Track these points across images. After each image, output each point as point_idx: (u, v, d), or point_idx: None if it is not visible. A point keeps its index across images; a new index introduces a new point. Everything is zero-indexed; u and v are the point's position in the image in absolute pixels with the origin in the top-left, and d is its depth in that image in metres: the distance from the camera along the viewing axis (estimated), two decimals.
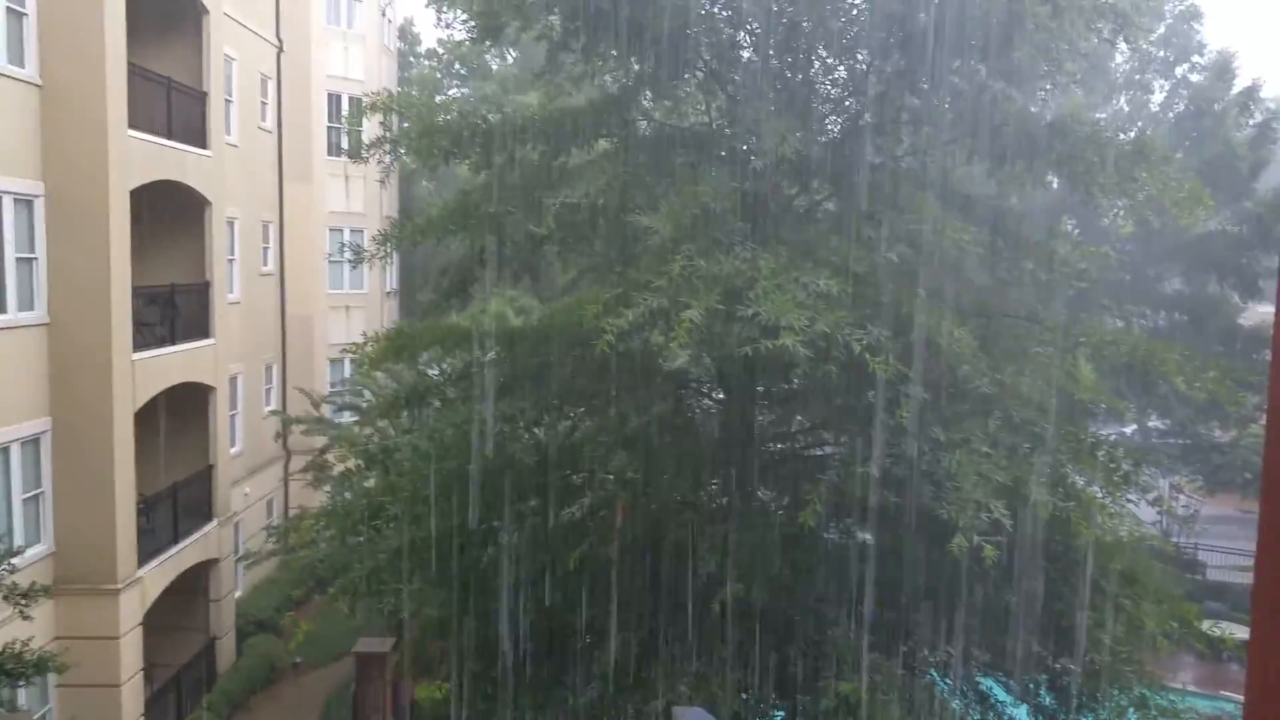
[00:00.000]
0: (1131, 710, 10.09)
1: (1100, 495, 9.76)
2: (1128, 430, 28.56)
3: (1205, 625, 10.25)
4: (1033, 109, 11.59)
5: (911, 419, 8.83)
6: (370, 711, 17.56)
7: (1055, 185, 12.49)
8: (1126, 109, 30.75)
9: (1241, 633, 11.11)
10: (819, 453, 10.69)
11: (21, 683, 10.40)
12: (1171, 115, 29.82)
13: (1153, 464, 11.33)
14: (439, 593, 10.53)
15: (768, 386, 11.11)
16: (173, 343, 19.02)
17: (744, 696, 9.65)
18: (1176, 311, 29.14)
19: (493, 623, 10.60)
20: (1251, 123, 28.12)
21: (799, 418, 10.94)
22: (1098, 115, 22.50)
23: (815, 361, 9.43)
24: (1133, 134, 20.80)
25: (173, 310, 19.27)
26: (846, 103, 11.23)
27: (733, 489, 10.20)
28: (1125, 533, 9.72)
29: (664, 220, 8.57)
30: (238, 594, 22.86)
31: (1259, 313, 28.96)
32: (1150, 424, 29.54)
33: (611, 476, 10.20)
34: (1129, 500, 10.48)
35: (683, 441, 10.27)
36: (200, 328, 20.32)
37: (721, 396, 11.08)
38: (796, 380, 10.85)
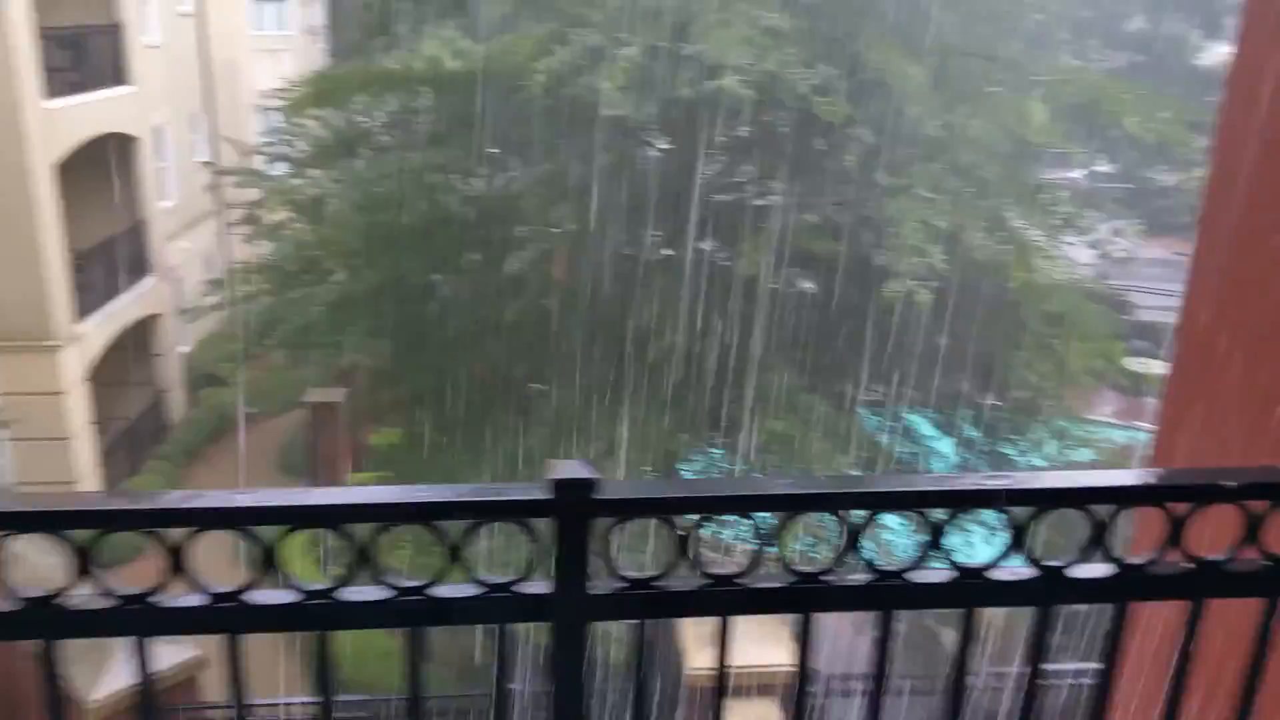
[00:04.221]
0: (1051, 439, 10.65)
1: (1039, 239, 9.81)
2: (1074, 175, 28.57)
3: (1130, 363, 10.66)
4: None
5: (856, 164, 8.63)
6: (326, 457, 18.12)
7: None
8: None
9: (1164, 369, 11.59)
10: (763, 203, 10.49)
11: None
12: None
13: (1096, 208, 11.35)
14: (381, 345, 10.52)
15: (714, 134, 10.73)
16: (87, 89, 17.86)
17: (682, 437, 9.97)
18: (1136, 51, 28.39)
19: (437, 374, 10.69)
20: None
21: (745, 167, 10.64)
22: None
23: (761, 105, 9.05)
24: None
25: (84, 54, 17.95)
26: None
27: (674, 240, 10.06)
28: (1060, 275, 9.85)
29: None
30: (184, 349, 22.86)
31: (1217, 53, 28.31)
32: (1098, 169, 29.54)
33: (553, 230, 9.98)
34: (1068, 243, 10.56)
35: (625, 193, 10.00)
36: (117, 73, 19.05)
37: (665, 146, 10.70)
38: (744, 128, 10.47)
